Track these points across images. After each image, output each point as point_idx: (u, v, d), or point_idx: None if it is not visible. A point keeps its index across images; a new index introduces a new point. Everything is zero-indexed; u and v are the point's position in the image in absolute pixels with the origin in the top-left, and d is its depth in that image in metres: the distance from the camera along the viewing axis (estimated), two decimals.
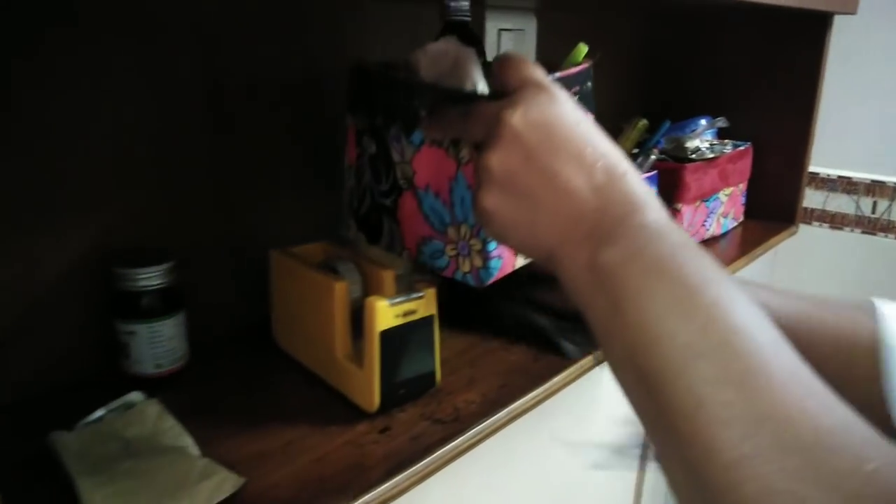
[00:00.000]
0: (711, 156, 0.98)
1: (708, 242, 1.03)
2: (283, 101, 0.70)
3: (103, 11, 0.56)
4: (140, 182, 0.61)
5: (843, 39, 1.13)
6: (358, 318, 0.57)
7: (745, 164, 1.07)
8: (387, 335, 0.53)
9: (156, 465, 0.46)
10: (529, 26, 0.95)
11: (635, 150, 0.90)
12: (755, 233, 1.09)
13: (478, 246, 0.56)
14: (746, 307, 0.32)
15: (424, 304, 0.55)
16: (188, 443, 0.49)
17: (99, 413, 0.52)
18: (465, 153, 0.54)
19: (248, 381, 0.61)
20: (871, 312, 0.48)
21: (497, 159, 0.39)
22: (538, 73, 0.42)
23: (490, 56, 0.90)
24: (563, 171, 0.38)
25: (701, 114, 1.08)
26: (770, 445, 0.27)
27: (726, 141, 1.06)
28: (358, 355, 0.56)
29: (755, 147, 1.08)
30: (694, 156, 0.96)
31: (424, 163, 0.57)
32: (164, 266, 0.58)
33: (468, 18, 0.65)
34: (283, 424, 0.54)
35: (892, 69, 1.31)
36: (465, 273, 0.58)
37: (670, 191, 0.92)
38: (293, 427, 0.54)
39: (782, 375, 0.29)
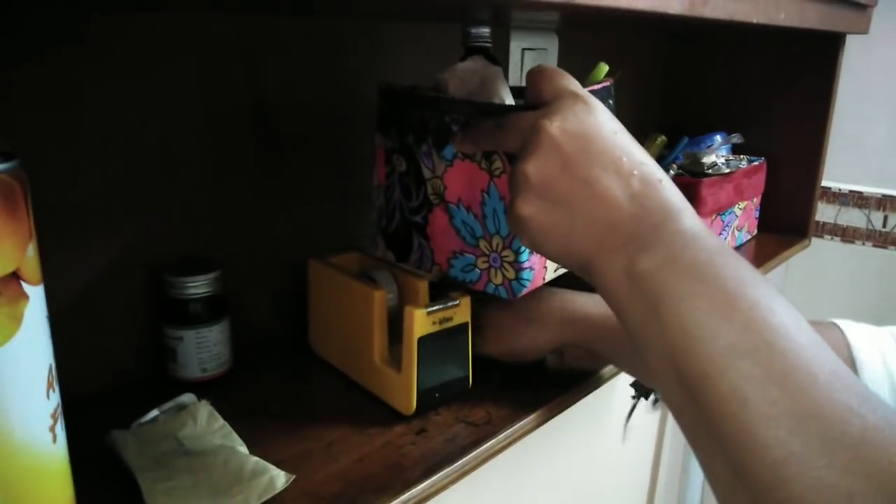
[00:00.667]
0: (727, 171, 1.00)
1: None
2: (320, 117, 0.73)
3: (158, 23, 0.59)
4: (188, 191, 0.64)
5: (855, 57, 1.15)
6: (394, 324, 0.61)
7: (760, 179, 1.09)
8: (423, 341, 0.56)
9: (210, 462, 0.49)
10: (552, 46, 0.99)
11: None
12: (768, 246, 1.12)
13: (510, 257, 0.57)
14: (785, 308, 0.34)
15: (459, 312, 0.58)
16: (238, 442, 0.52)
17: (153, 413, 0.55)
18: (497, 165, 0.55)
19: (288, 385, 0.64)
20: (840, 331, 0.51)
21: (534, 167, 0.40)
22: (574, 83, 0.43)
23: (513, 77, 0.94)
24: (601, 180, 0.39)
25: (716, 130, 1.11)
26: (818, 442, 0.28)
27: (741, 156, 1.09)
28: (394, 360, 0.59)
29: (769, 162, 1.11)
30: (710, 171, 0.99)
31: (456, 177, 0.58)
32: (212, 275, 0.61)
33: (489, 44, 0.68)
34: (324, 426, 0.57)
35: None
36: (497, 285, 0.59)
37: None
38: (334, 428, 0.57)
39: (825, 374, 0.30)
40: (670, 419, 1.62)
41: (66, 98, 0.55)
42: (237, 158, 0.67)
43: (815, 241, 1.20)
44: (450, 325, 0.57)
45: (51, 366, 0.36)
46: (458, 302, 0.58)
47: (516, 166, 0.42)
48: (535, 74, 0.44)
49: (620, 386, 0.57)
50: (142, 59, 0.58)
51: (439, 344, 0.57)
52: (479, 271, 0.60)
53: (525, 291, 0.59)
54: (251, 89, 0.67)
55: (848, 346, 0.51)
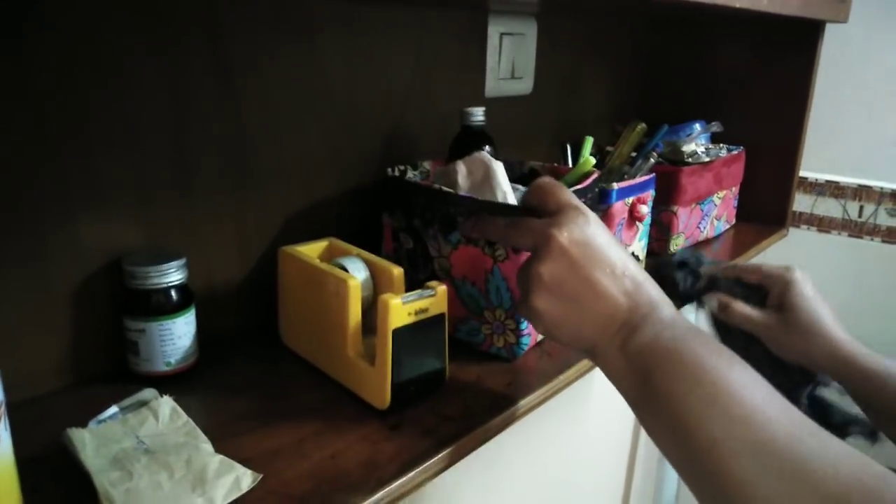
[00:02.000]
0: (707, 160, 0.99)
1: (702, 244, 1.04)
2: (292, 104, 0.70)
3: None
4: (151, 177, 0.61)
5: (833, 46, 1.15)
6: (367, 315, 0.58)
7: (738, 168, 1.08)
8: (399, 333, 0.53)
9: (172, 461, 0.46)
10: (530, 31, 0.96)
11: (633, 153, 0.91)
12: (747, 235, 1.11)
13: (512, 326, 0.65)
14: (742, 368, 0.44)
15: (436, 303, 0.55)
16: (202, 440, 0.50)
17: (112, 410, 0.52)
18: (500, 252, 0.63)
19: (257, 380, 0.62)
20: None
21: (548, 269, 0.49)
22: (573, 198, 0.52)
23: (490, 61, 0.92)
24: (601, 280, 0.48)
25: (695, 118, 1.10)
26: (771, 467, 0.38)
27: (721, 145, 1.08)
28: (368, 353, 0.57)
29: (747, 151, 1.10)
30: (690, 160, 0.98)
31: (461, 258, 0.66)
32: (176, 263, 0.58)
33: (483, 123, 0.79)
34: (294, 422, 0.55)
35: (879, 76, 1.34)
36: (499, 347, 0.67)
37: (667, 193, 0.93)
38: (305, 424, 0.54)
39: (775, 414, 0.40)
40: None
41: (22, 87, 0.51)
42: (202, 140, 0.64)
43: (791, 230, 1.20)
44: (426, 315, 0.55)
45: None
46: (434, 292, 0.55)
47: (531, 267, 0.50)
48: (540, 188, 0.53)
49: (598, 378, 0.56)
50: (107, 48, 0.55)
51: (415, 335, 0.55)
52: (483, 335, 0.67)
53: (523, 354, 0.67)
54: (218, 74, 0.64)
55: None
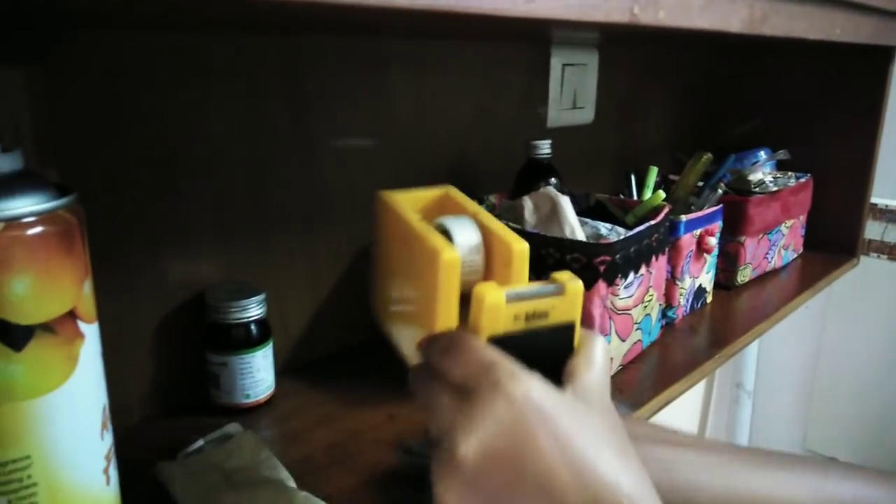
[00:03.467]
0: (775, 189, 0.97)
1: (769, 275, 1.02)
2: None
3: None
4: (231, 215, 0.63)
5: None
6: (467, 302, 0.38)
7: (806, 196, 1.06)
8: (499, 344, 0.34)
9: (259, 497, 0.48)
10: (592, 61, 0.97)
11: (700, 183, 0.90)
12: (815, 265, 1.08)
13: None
14: None
15: (563, 306, 0.36)
16: (284, 475, 0.51)
17: (199, 443, 0.53)
18: None
19: (334, 412, 0.63)
20: None
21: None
22: (498, 359, 0.31)
23: (553, 92, 0.92)
24: None
25: (759, 145, 1.08)
26: None
27: (789, 173, 1.06)
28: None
29: (815, 178, 1.07)
30: (757, 189, 0.96)
31: None
32: (256, 299, 0.60)
33: (549, 155, 0.79)
34: (373, 456, 0.55)
35: None
36: None
37: (734, 223, 0.92)
38: (384, 458, 0.55)
39: None
40: None
41: (115, 128, 0.54)
42: (277, 175, 0.66)
43: (862, 258, 1.16)
44: (544, 323, 0.35)
45: (104, 406, 0.35)
46: (560, 288, 0.35)
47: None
48: (433, 347, 0.33)
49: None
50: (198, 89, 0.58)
51: (525, 350, 0.34)
52: None
53: None
54: (289, 106, 0.66)
55: None
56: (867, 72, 1.07)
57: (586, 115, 0.99)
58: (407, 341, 0.42)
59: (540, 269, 0.64)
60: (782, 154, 1.01)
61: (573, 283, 0.36)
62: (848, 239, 1.13)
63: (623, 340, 0.69)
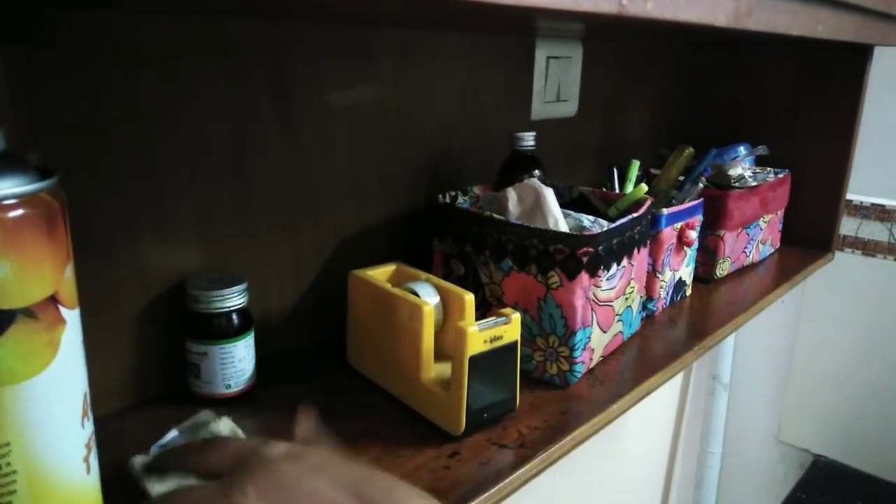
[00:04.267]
0: (754, 184, 0.99)
1: (747, 269, 1.03)
2: (346, 122, 0.71)
3: None
4: (213, 203, 0.62)
5: (881, 67, 1.14)
6: (435, 340, 0.59)
7: (784, 192, 1.07)
8: (475, 360, 0.54)
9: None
10: (576, 54, 0.97)
11: (681, 178, 0.91)
12: (792, 260, 1.10)
13: (565, 353, 0.65)
14: None
15: (509, 330, 0.56)
16: None
17: (172, 434, 0.53)
18: (554, 280, 0.63)
19: (315, 404, 0.62)
20: None
21: None
22: (250, 448, 0.37)
23: (537, 84, 0.92)
24: None
25: (738, 140, 1.09)
26: None
27: (768, 168, 1.07)
28: (439, 378, 0.58)
29: (792, 174, 1.09)
30: (737, 184, 0.97)
31: (513, 285, 0.66)
32: (238, 288, 0.59)
33: (533, 148, 0.79)
34: (352, 448, 0.55)
35: None
36: (552, 374, 0.66)
37: (713, 217, 0.93)
38: (363, 451, 0.55)
39: None
40: (683, 434, 1.60)
41: (96, 111, 0.53)
42: (261, 164, 0.65)
43: (836, 254, 1.18)
44: (499, 343, 0.55)
45: (85, 393, 0.34)
46: (508, 319, 0.55)
47: None
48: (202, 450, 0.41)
49: (638, 406, 0.57)
50: (195, 73, 0.57)
51: (489, 363, 0.55)
52: (535, 362, 0.67)
53: (576, 382, 0.66)
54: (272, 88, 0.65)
55: None
56: (845, 70, 1.09)
57: (570, 108, 1.00)
58: (386, 377, 0.63)
59: (523, 259, 0.65)
60: (762, 149, 1.03)
61: (515, 315, 0.56)
62: (823, 234, 1.15)
63: (604, 332, 0.69)
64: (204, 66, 0.59)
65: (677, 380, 1.54)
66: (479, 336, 0.53)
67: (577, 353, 0.65)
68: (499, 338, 0.55)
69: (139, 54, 0.55)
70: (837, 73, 1.10)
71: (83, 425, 0.34)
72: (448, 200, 0.75)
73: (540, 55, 0.92)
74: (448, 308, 0.61)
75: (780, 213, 1.10)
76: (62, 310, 0.32)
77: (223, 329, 0.59)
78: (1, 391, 0.29)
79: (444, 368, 0.57)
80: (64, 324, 0.32)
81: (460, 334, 0.53)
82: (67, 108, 0.52)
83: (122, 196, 0.56)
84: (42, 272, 0.30)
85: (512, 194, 0.70)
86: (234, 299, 0.59)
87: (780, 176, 1.05)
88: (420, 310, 0.57)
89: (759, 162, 1.11)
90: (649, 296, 0.82)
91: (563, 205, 0.71)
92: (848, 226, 1.42)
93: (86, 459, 0.34)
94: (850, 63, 1.08)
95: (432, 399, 0.57)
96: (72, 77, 0.51)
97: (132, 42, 0.54)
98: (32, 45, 0.49)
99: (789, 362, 1.64)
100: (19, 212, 0.29)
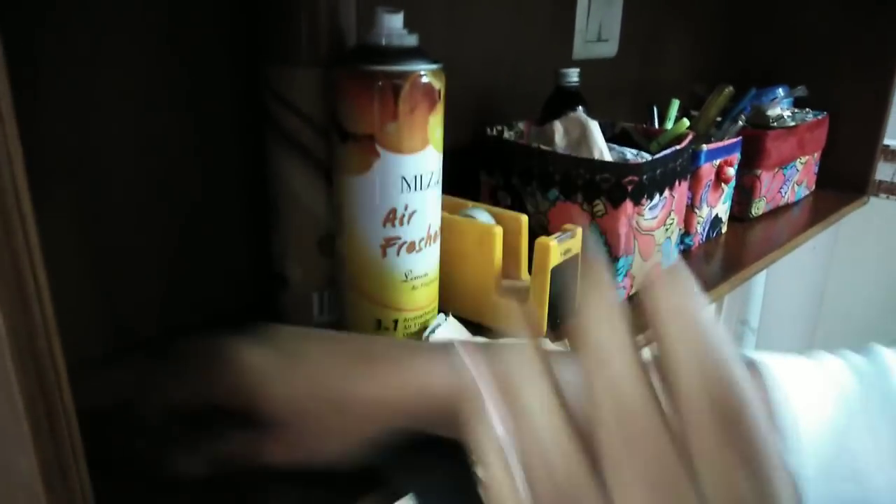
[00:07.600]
0: (792, 124, 1.00)
1: (782, 210, 1.05)
2: None
3: None
4: None
5: None
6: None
7: (822, 134, 1.08)
8: (554, 272, 0.58)
9: None
10: None
11: (719, 118, 0.92)
12: (827, 202, 1.11)
13: None
14: None
15: (576, 243, 0.60)
16: None
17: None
18: (599, 207, 0.66)
19: None
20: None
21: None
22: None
23: (579, 23, 0.93)
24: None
25: (778, 81, 1.10)
26: None
27: (806, 109, 1.08)
28: (509, 294, 0.62)
29: (830, 116, 1.09)
30: (775, 124, 0.98)
31: (559, 214, 0.69)
32: None
33: (577, 84, 0.81)
34: None
35: None
36: None
37: (751, 157, 0.94)
38: None
39: None
40: None
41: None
42: None
43: (871, 199, 1.19)
44: (569, 256, 0.59)
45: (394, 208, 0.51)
46: (573, 233, 0.60)
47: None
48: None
49: None
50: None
51: (559, 275, 0.59)
52: None
53: None
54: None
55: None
56: (886, 13, 1.08)
57: (610, 48, 1.01)
58: (455, 302, 0.62)
59: (570, 189, 0.68)
60: (800, 90, 1.03)
61: (578, 229, 0.60)
62: (859, 178, 1.16)
63: (645, 261, 0.72)
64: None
65: None
66: (557, 248, 0.58)
67: (618, 279, 0.68)
68: (568, 251, 0.59)
69: None
70: (881, 14, 1.09)
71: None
72: (495, 134, 0.77)
73: None
74: (506, 230, 0.62)
75: (817, 155, 1.11)
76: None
77: None
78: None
79: (510, 284, 0.62)
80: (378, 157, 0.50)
81: (543, 248, 0.57)
82: None
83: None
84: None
85: (559, 127, 0.72)
86: None
87: (819, 117, 1.06)
88: (491, 233, 0.60)
89: (798, 104, 1.11)
90: (687, 230, 0.85)
91: (606, 139, 0.74)
92: (884, 171, 1.42)
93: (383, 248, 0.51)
94: (891, 5, 1.08)
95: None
96: None
97: None
98: None
99: (819, 307, 1.66)
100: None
